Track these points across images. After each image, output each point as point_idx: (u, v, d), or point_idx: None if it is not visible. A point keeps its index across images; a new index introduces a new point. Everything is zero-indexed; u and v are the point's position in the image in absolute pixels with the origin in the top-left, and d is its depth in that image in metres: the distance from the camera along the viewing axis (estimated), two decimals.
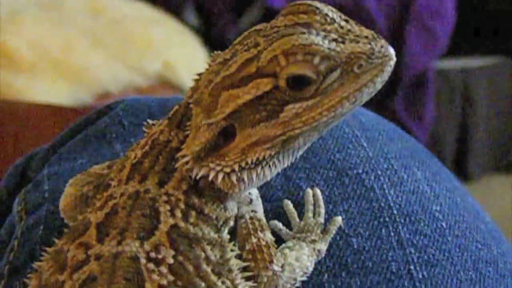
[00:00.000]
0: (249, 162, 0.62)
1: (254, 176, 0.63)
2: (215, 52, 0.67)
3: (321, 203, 0.77)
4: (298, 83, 0.59)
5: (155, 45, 2.65)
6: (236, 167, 0.62)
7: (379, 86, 0.61)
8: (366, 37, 0.61)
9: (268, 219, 0.72)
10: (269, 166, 0.63)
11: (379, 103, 3.31)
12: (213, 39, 3.29)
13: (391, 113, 3.35)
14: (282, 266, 0.66)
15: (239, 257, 0.66)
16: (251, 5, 3.51)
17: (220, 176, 0.63)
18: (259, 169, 0.63)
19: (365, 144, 0.87)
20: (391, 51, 0.61)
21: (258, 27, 0.64)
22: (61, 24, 2.53)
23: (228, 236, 0.66)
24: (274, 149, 0.62)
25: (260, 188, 0.73)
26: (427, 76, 3.39)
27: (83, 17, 2.65)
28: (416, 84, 3.40)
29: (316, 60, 0.59)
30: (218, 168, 0.63)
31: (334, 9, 0.63)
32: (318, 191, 0.78)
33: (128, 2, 2.87)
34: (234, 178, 0.63)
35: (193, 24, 3.41)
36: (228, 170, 0.63)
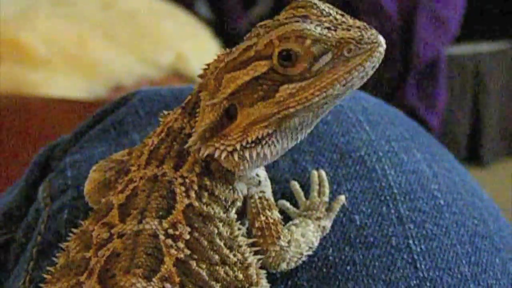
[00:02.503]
0: (249, 141, 0.68)
1: (254, 154, 0.68)
2: (227, 49, 0.72)
3: (326, 183, 0.82)
4: (288, 59, 0.65)
5: (167, 37, 2.69)
6: (238, 146, 0.68)
7: (369, 71, 0.66)
8: (358, 27, 0.66)
9: (276, 199, 0.78)
10: (268, 145, 0.68)
11: (391, 91, 3.34)
12: (224, 30, 3.32)
13: (403, 100, 3.38)
14: (289, 242, 0.72)
15: (247, 234, 0.72)
16: None
17: (224, 154, 0.69)
18: (259, 148, 0.68)
19: (367, 128, 0.92)
20: (381, 39, 0.66)
21: (262, 22, 0.70)
22: (73, 19, 2.57)
23: (235, 216, 0.72)
24: (271, 127, 0.68)
25: (268, 170, 0.78)
26: (438, 63, 3.41)
27: (95, 11, 2.68)
28: (428, 71, 3.41)
29: (307, 42, 0.65)
30: (222, 147, 0.69)
31: (331, 6, 0.69)
32: (323, 172, 0.84)
33: None
34: (236, 156, 0.68)
35: (204, 16, 3.44)
36: (230, 148, 0.68)
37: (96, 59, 2.45)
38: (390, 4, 3.29)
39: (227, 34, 3.28)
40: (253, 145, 0.68)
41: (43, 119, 1.85)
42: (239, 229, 0.71)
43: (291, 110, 0.66)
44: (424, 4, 3.33)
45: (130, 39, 2.59)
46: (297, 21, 0.66)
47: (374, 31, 0.66)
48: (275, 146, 0.69)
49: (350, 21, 0.67)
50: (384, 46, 0.66)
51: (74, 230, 0.71)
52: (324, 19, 0.67)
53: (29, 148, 1.70)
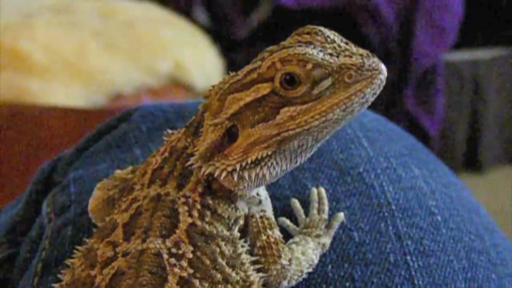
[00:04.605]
0: (249, 161, 0.69)
1: (253, 175, 0.70)
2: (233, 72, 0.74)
3: (325, 200, 0.84)
4: (289, 82, 0.67)
5: (166, 45, 2.69)
6: (238, 166, 0.69)
7: (370, 97, 0.68)
8: (361, 54, 0.68)
9: (277, 216, 0.79)
10: (268, 166, 0.70)
11: (390, 98, 3.35)
12: (223, 37, 3.34)
13: (401, 107, 3.39)
14: (290, 260, 0.73)
15: (249, 252, 0.73)
16: (259, 3, 3.56)
17: (224, 174, 0.70)
18: (258, 169, 0.70)
19: (366, 144, 0.93)
20: (382, 66, 0.67)
21: (269, 48, 0.71)
22: (73, 28, 2.58)
23: (238, 234, 0.73)
24: (270, 149, 0.69)
25: (269, 188, 0.80)
26: (436, 70, 3.42)
27: (94, 20, 2.69)
28: (426, 78, 3.42)
29: (309, 66, 0.66)
30: (222, 166, 0.70)
31: (336, 34, 0.70)
32: (323, 190, 0.85)
33: (138, 4, 2.92)
34: (235, 176, 0.70)
35: (203, 23, 3.45)
36: (230, 168, 0.70)
37: (95, 67, 2.46)
38: (388, 11, 3.31)
39: (226, 42, 3.29)
40: (252, 166, 0.69)
41: (42, 127, 1.86)
42: (242, 246, 0.72)
43: (291, 132, 0.68)
44: (422, 11, 3.34)
45: (129, 47, 2.60)
46: (300, 46, 0.67)
47: (376, 59, 0.68)
48: (274, 167, 0.70)
49: (354, 48, 0.69)
50: (385, 74, 0.67)
51: (79, 248, 0.73)
52: (328, 45, 0.68)
53: (29, 156, 1.72)
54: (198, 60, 2.73)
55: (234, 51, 3.29)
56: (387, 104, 3.30)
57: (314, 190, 0.85)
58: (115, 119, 1.05)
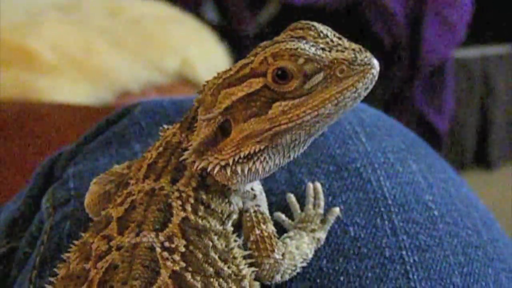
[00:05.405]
0: (242, 156, 0.70)
1: (246, 170, 0.70)
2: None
3: (321, 195, 0.84)
4: (281, 77, 0.67)
5: (173, 43, 2.69)
6: (231, 161, 0.70)
7: (362, 92, 0.68)
8: (353, 49, 0.68)
9: (272, 211, 0.80)
10: (260, 161, 0.70)
11: (399, 94, 3.35)
12: (231, 34, 3.34)
13: (410, 104, 3.39)
14: (283, 255, 0.74)
15: (243, 246, 0.74)
16: (268, 0, 3.56)
17: (217, 168, 0.70)
18: (251, 163, 0.70)
19: (364, 140, 0.93)
20: (375, 61, 0.67)
21: (262, 43, 0.72)
22: (80, 25, 2.58)
23: (232, 228, 0.74)
24: (263, 143, 0.69)
25: (265, 183, 0.80)
26: (445, 66, 3.42)
27: (101, 17, 2.69)
28: (435, 74, 3.42)
29: (301, 60, 0.67)
30: (215, 161, 0.71)
31: (330, 29, 0.71)
32: (319, 185, 0.85)
33: (146, 1, 2.92)
34: (228, 170, 0.70)
35: (211, 20, 3.46)
36: (223, 163, 0.70)
37: (103, 65, 2.46)
38: (398, 8, 3.31)
39: (234, 39, 3.30)
40: (245, 160, 0.70)
41: (50, 124, 1.87)
42: (235, 241, 0.72)
43: (283, 127, 0.68)
44: (431, 7, 3.34)
45: (136, 45, 2.60)
46: (292, 41, 0.68)
47: (368, 53, 0.68)
48: (267, 162, 0.71)
49: (346, 43, 0.69)
50: (378, 68, 0.68)
51: (75, 242, 0.73)
52: (320, 40, 0.69)
53: (36, 153, 1.72)
54: (205, 58, 2.73)
55: (242, 48, 3.30)
56: (396, 101, 3.30)
57: (310, 185, 0.85)
58: (115, 115, 1.06)
